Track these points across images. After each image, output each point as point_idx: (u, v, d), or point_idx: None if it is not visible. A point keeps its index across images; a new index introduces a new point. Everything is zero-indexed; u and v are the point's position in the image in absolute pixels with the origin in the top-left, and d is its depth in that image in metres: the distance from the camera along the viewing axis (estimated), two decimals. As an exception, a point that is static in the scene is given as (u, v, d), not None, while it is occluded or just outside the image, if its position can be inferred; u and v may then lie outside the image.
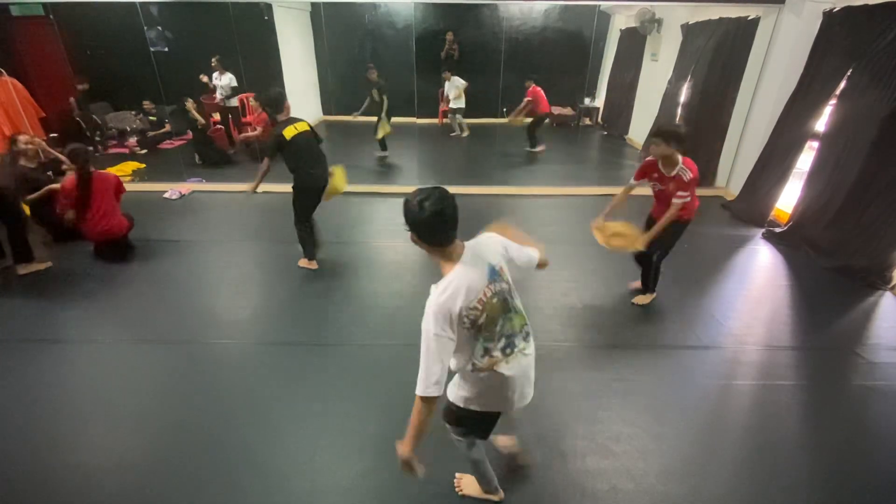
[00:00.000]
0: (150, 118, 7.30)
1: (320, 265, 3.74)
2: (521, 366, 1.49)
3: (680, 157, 2.74)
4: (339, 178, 3.57)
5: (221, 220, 4.79)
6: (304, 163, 3.35)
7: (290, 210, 3.57)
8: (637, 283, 3.42)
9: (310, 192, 3.48)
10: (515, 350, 1.48)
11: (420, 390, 1.32)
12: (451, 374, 1.51)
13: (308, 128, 3.36)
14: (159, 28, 7.25)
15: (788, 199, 4.56)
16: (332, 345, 2.89)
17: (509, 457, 2.07)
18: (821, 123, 4.17)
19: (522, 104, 7.01)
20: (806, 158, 4.34)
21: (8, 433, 2.25)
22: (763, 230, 4.54)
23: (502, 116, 7.45)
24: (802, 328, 3.13)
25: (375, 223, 4.78)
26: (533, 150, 7.19)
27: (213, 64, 6.77)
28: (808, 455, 2.19)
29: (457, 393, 1.57)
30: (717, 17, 5.46)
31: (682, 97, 6.16)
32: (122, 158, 6.62)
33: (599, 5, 7.74)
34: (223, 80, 6.84)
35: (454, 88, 7.59)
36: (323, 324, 3.10)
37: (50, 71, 6.77)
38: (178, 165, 6.25)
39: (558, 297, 3.39)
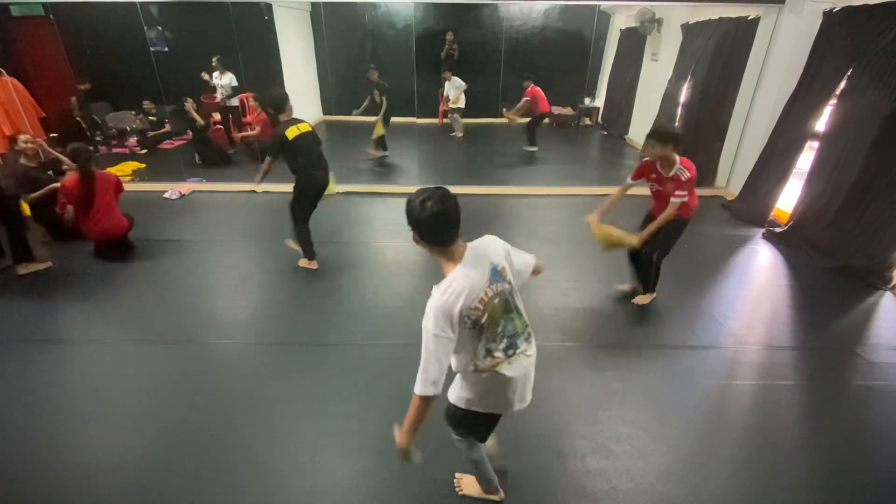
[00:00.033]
0: (150, 118, 7.30)
1: (320, 265, 3.74)
2: (522, 367, 1.49)
3: (677, 158, 2.73)
4: (330, 180, 3.58)
5: (221, 220, 4.79)
6: (307, 163, 3.35)
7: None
8: (626, 286, 3.41)
9: (311, 193, 3.48)
10: (518, 351, 1.48)
11: (418, 389, 1.34)
12: (452, 375, 1.51)
13: (310, 129, 3.36)
14: (159, 28, 7.24)
15: (788, 199, 4.56)
16: (332, 345, 2.89)
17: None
18: (821, 123, 4.17)
19: (520, 103, 7.02)
20: (806, 158, 4.34)
21: (8, 433, 2.25)
22: (763, 230, 4.54)
23: (502, 116, 7.46)
24: (802, 328, 3.13)
25: (375, 223, 4.78)
26: (527, 148, 7.21)
27: (213, 63, 6.78)
28: (808, 455, 2.19)
29: (458, 394, 1.57)
30: (717, 16, 5.46)
31: (682, 97, 6.17)
32: (121, 158, 6.62)
33: (599, 5, 7.74)
34: (224, 80, 6.85)
35: (454, 89, 7.60)
36: (323, 324, 3.10)
37: (50, 71, 6.77)
38: (178, 165, 6.26)
39: (558, 297, 3.39)
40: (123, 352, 2.83)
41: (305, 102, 8.75)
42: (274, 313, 3.26)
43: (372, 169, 6.53)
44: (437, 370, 1.32)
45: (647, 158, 2.85)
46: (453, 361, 1.49)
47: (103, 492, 1.97)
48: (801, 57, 4.29)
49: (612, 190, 3.06)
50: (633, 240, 2.88)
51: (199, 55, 6.94)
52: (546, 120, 7.52)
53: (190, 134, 6.62)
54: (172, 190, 5.40)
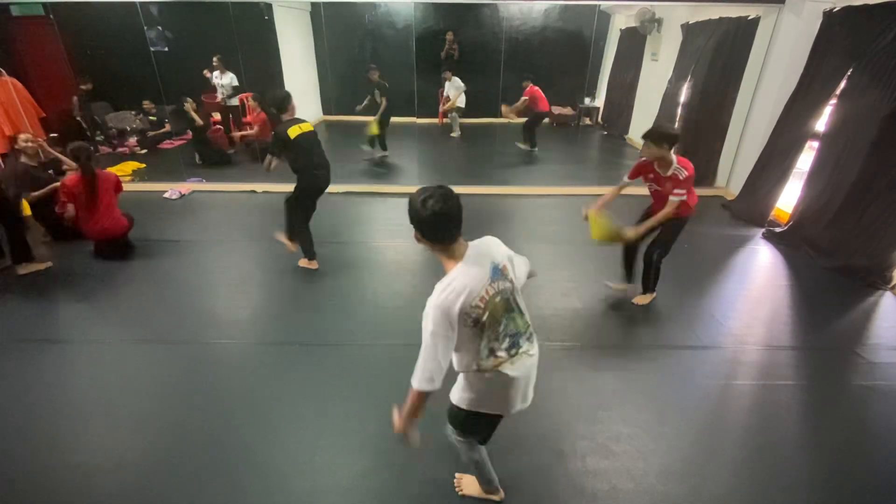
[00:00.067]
0: (150, 118, 7.30)
1: (320, 265, 3.74)
2: (525, 367, 1.49)
3: (674, 158, 2.74)
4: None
5: (221, 220, 4.79)
6: (309, 162, 3.35)
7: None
8: (617, 286, 3.39)
9: (313, 193, 3.48)
10: (520, 351, 1.48)
11: (415, 383, 1.37)
12: (453, 374, 1.51)
13: (312, 128, 3.37)
14: (159, 28, 7.24)
15: (788, 199, 4.56)
16: (332, 345, 2.89)
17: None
18: (821, 123, 4.17)
19: (519, 102, 7.03)
20: (806, 158, 4.34)
21: (8, 433, 2.25)
22: (763, 230, 4.54)
23: (502, 116, 7.47)
24: (802, 328, 3.13)
25: (375, 223, 4.78)
26: (522, 145, 7.22)
27: (214, 63, 6.78)
28: (808, 455, 2.19)
29: (460, 395, 1.57)
30: (717, 16, 5.46)
31: (682, 97, 6.17)
32: (122, 158, 6.62)
33: (599, 5, 7.74)
34: (224, 80, 6.85)
35: (454, 89, 7.60)
36: (323, 324, 3.10)
37: (50, 71, 6.76)
38: (178, 165, 6.25)
39: (558, 298, 3.39)
40: (123, 352, 2.83)
41: (305, 102, 8.74)
42: (274, 313, 3.26)
43: (372, 169, 6.53)
44: (434, 367, 1.33)
45: (643, 158, 2.86)
46: (455, 361, 1.49)
47: (103, 492, 1.97)
48: (801, 57, 4.29)
49: (611, 190, 3.07)
50: (629, 233, 2.87)
51: (199, 55, 6.94)
52: (546, 120, 7.52)
53: (190, 134, 6.63)
54: (172, 190, 5.40)
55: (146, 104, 7.17)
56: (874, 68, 3.61)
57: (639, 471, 2.07)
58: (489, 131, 8.48)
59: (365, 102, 6.73)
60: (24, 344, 2.87)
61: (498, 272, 1.42)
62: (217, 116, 7.24)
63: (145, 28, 6.01)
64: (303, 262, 3.75)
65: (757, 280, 3.84)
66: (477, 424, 1.65)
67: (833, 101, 4.04)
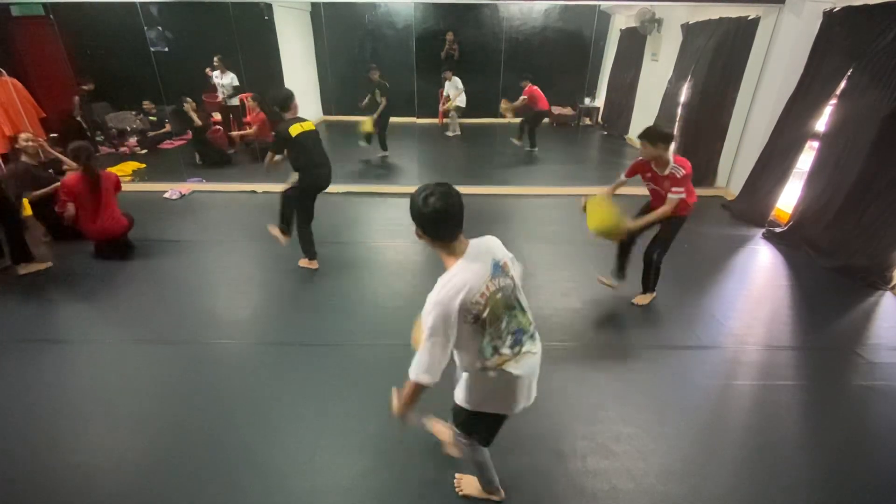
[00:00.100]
0: (150, 118, 7.30)
1: (320, 265, 3.74)
2: (529, 365, 1.49)
3: (671, 157, 2.75)
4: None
5: (221, 220, 4.79)
6: (310, 161, 3.35)
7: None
8: (607, 280, 3.36)
9: (313, 192, 3.49)
10: (523, 349, 1.48)
11: (412, 374, 1.39)
12: (454, 373, 1.51)
13: (314, 127, 3.37)
14: (159, 28, 7.25)
15: (788, 199, 4.56)
16: (332, 345, 2.89)
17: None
18: (821, 123, 4.17)
19: (518, 101, 7.03)
20: (806, 158, 4.34)
21: (8, 433, 2.25)
22: (763, 230, 4.54)
23: (503, 117, 7.47)
24: (802, 328, 3.13)
25: (375, 223, 4.79)
26: (517, 141, 7.22)
27: (215, 63, 6.78)
28: (808, 455, 2.19)
29: (464, 395, 1.57)
30: (717, 16, 5.46)
31: (682, 97, 6.16)
32: (122, 158, 6.62)
33: (599, 5, 7.74)
34: (225, 80, 6.86)
35: (454, 89, 7.60)
36: (323, 324, 3.10)
37: (50, 71, 6.76)
38: (178, 165, 6.26)
39: (558, 297, 3.39)
40: (123, 352, 2.83)
41: (305, 102, 8.70)
42: (274, 313, 3.26)
43: (372, 169, 6.53)
44: (431, 362, 1.34)
45: (640, 158, 2.87)
46: (458, 359, 1.50)
47: (103, 492, 1.97)
48: (801, 57, 4.29)
49: (607, 188, 3.07)
50: (626, 225, 2.85)
51: (199, 55, 6.94)
52: (546, 119, 7.52)
53: (190, 134, 6.63)
54: (172, 190, 5.40)
55: (146, 104, 7.17)
56: (874, 68, 3.61)
57: (639, 471, 2.07)
58: (489, 131, 8.49)
59: (366, 101, 6.75)
60: (24, 344, 2.87)
61: (499, 269, 1.42)
62: (218, 116, 7.25)
63: (145, 28, 6.01)
64: (303, 262, 3.75)
65: (757, 280, 3.84)
66: (480, 425, 1.65)
67: (833, 101, 4.04)
